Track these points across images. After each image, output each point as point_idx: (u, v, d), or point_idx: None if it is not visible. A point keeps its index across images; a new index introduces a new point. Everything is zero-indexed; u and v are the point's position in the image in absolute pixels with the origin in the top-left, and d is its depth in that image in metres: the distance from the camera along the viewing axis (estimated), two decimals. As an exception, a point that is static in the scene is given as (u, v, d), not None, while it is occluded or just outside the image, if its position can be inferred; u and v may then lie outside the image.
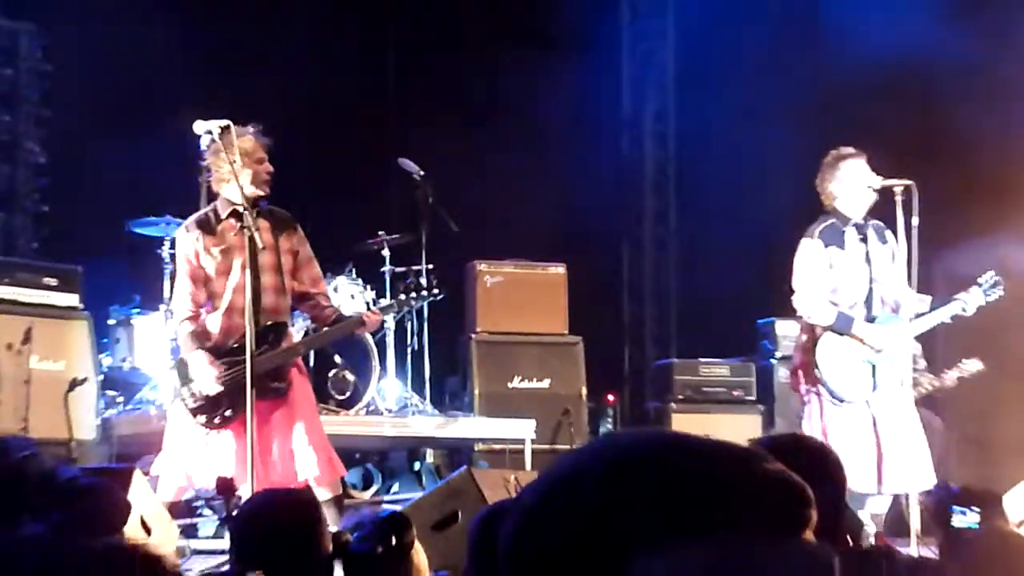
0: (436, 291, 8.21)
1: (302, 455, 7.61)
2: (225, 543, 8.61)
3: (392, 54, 12.68)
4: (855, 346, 8.53)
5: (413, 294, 8.17)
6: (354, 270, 10.83)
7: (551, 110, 11.78)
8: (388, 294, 10.80)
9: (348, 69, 12.68)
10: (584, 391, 11.49)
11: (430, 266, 10.80)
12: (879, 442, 8.45)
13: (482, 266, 11.40)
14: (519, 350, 11.28)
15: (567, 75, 12.04)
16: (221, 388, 7.49)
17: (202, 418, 7.57)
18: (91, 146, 11.31)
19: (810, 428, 8.57)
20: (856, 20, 11.30)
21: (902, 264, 8.53)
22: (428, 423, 10.36)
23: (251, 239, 7.37)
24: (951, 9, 11.13)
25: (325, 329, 8.11)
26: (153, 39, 11.91)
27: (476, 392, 10.96)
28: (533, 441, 10.42)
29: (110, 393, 10.29)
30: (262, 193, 7.73)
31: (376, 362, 10.37)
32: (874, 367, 8.54)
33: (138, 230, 10.47)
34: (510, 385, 11.16)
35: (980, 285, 8.76)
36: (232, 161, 7.41)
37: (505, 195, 11.61)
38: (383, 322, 8.06)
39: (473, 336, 11.20)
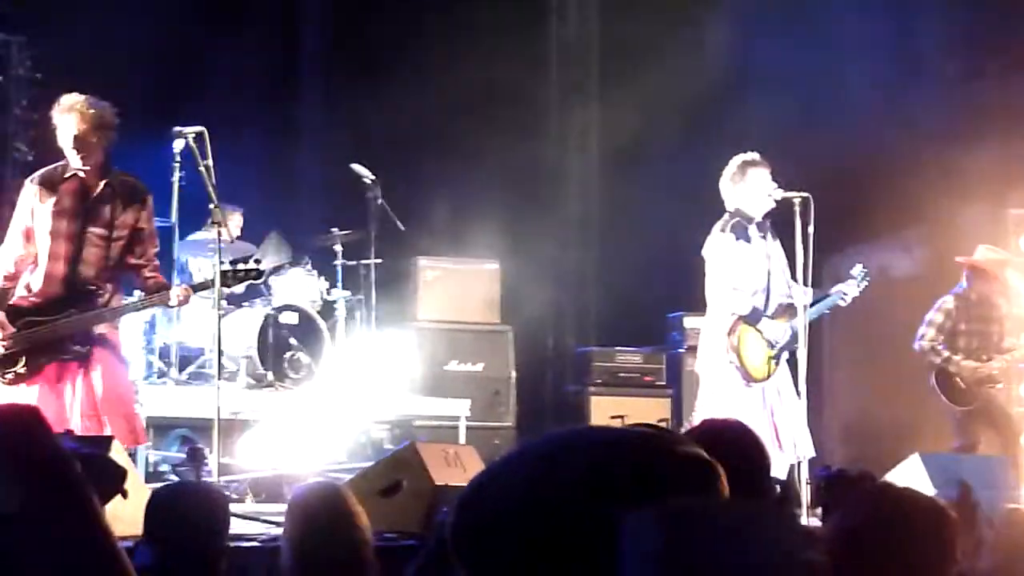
0: (255, 275, 7.70)
1: (121, 420, 7.24)
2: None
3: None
4: (762, 335, 8.64)
5: (232, 275, 7.60)
6: (310, 263, 10.81)
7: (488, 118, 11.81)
8: (340, 284, 10.80)
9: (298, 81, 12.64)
10: (513, 374, 11.51)
11: (378, 260, 10.82)
12: (773, 418, 8.57)
13: (423, 261, 11.41)
14: (455, 336, 11.28)
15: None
16: (10, 350, 7.07)
17: None
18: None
19: (708, 409, 8.67)
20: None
21: (784, 261, 8.71)
22: (374, 401, 10.34)
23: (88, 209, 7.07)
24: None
25: (130, 300, 7.65)
26: (130, 48, 11.82)
27: (416, 374, 10.93)
28: (467, 418, 10.43)
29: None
30: (85, 167, 7.18)
31: (328, 346, 10.35)
32: (774, 354, 8.65)
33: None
34: (447, 368, 11.16)
35: (854, 277, 8.98)
36: (206, 165, 7.29)
37: (447, 197, 11.61)
38: (189, 297, 7.42)
39: (415, 323, 11.20)
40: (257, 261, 7.62)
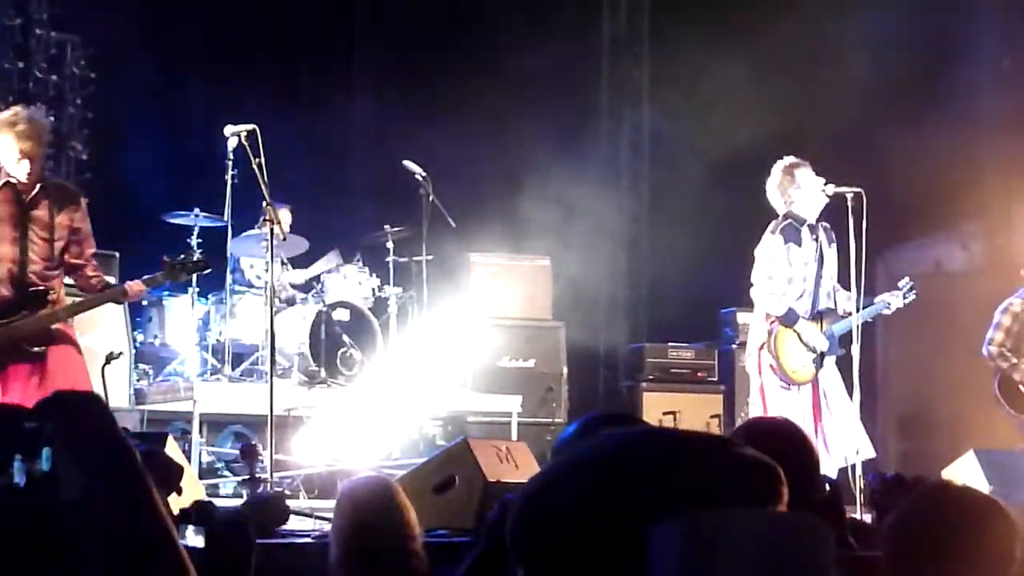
0: (202, 265, 7.65)
1: None
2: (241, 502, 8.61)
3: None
4: (799, 338, 8.60)
5: (179, 268, 7.56)
6: (361, 260, 10.83)
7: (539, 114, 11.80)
8: (392, 281, 10.81)
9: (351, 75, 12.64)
10: (565, 370, 11.50)
11: (430, 257, 10.82)
12: (820, 421, 8.52)
13: (475, 257, 11.40)
14: (508, 333, 11.26)
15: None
16: None
17: None
18: (128, 145, 11.29)
19: (756, 407, 8.66)
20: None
21: (835, 266, 8.67)
22: (426, 398, 10.33)
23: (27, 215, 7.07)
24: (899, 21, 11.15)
25: (86, 297, 7.56)
26: (183, 47, 11.88)
27: (468, 370, 10.92)
28: (519, 414, 10.41)
29: (142, 366, 10.26)
30: (28, 175, 7.12)
31: (381, 342, 10.36)
32: (818, 355, 8.61)
33: (170, 220, 10.42)
34: (499, 364, 11.15)
35: (900, 289, 8.89)
36: (258, 163, 7.29)
37: (499, 193, 11.58)
38: (142, 292, 7.42)
39: (467, 320, 11.18)
40: (203, 255, 7.63)
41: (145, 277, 7.52)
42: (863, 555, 3.57)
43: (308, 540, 5.71)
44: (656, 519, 1.66)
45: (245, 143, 7.46)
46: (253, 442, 6.53)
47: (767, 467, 1.77)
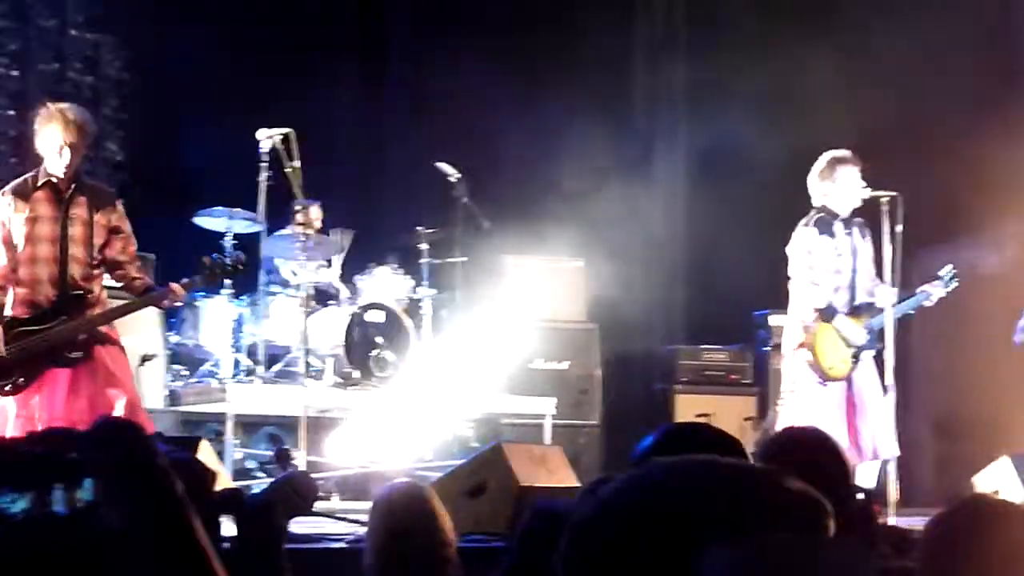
0: (241, 267, 7.76)
1: (110, 411, 7.12)
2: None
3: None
4: (838, 333, 8.56)
5: (219, 270, 7.66)
6: (395, 261, 10.83)
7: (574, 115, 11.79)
8: (426, 283, 10.80)
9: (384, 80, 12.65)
10: (599, 372, 11.49)
11: (464, 258, 10.82)
12: (854, 417, 8.47)
13: (510, 259, 11.39)
14: (542, 334, 11.25)
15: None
16: (4, 363, 7.05)
17: None
18: (163, 146, 11.33)
19: (790, 406, 8.62)
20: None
21: (872, 261, 8.63)
22: (460, 399, 10.33)
23: (65, 213, 7.13)
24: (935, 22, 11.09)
25: (125, 302, 7.61)
26: (219, 48, 11.90)
27: (502, 372, 10.90)
28: (553, 416, 10.41)
29: (176, 367, 10.29)
30: (66, 171, 7.23)
31: (414, 344, 10.37)
32: (856, 352, 8.57)
33: (202, 222, 10.43)
34: (532, 366, 11.14)
35: (941, 278, 8.84)
36: (292, 168, 7.30)
37: (533, 195, 11.56)
38: (183, 295, 7.47)
39: (501, 321, 11.16)
40: (240, 256, 7.65)
41: (184, 280, 7.56)
42: (898, 566, 3.55)
43: (342, 545, 5.71)
44: (706, 546, 1.67)
45: (280, 147, 7.45)
46: (286, 446, 6.52)
47: (815, 502, 1.78)
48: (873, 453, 8.43)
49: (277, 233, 10.14)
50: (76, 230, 7.27)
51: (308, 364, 9.70)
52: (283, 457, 6.03)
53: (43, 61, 12.00)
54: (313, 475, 8.98)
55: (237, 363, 10.13)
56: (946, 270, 8.91)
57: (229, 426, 9.26)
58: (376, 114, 12.51)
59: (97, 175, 11.54)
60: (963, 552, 3.09)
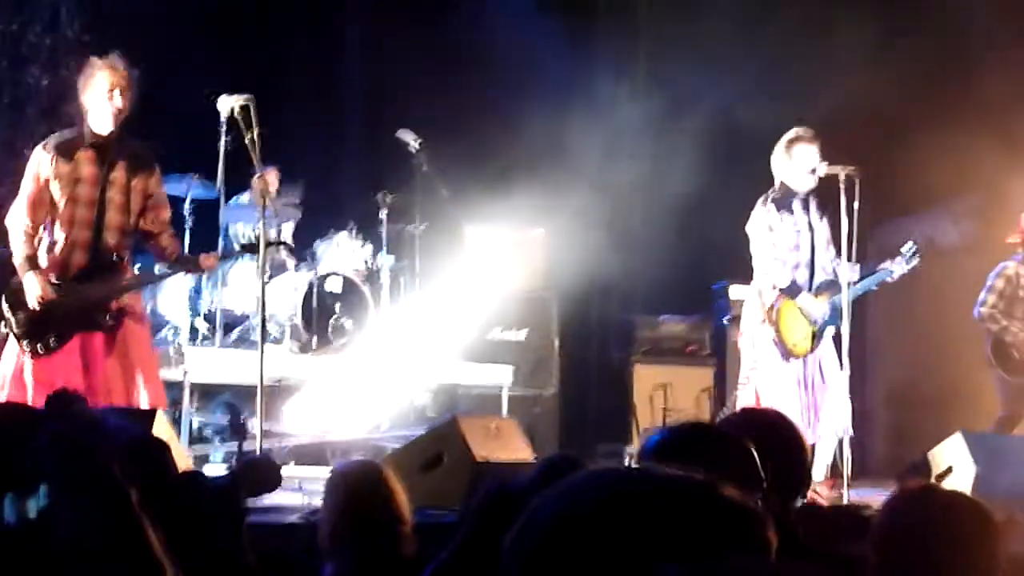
0: (280, 241, 7.71)
1: (136, 387, 7.17)
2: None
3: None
4: (801, 311, 8.60)
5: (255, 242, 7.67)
6: (355, 228, 10.79)
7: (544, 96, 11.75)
8: (385, 250, 10.77)
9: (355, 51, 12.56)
10: (557, 342, 11.50)
11: (423, 226, 10.79)
12: (813, 394, 8.51)
13: (469, 227, 11.37)
14: (500, 303, 11.23)
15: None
16: (41, 317, 6.97)
17: (27, 344, 7.02)
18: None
19: (751, 384, 8.65)
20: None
21: (829, 239, 8.65)
22: (417, 368, 10.31)
23: (106, 176, 7.07)
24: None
25: (158, 268, 7.65)
26: (179, 9, 11.81)
27: (460, 340, 10.89)
28: (510, 386, 10.42)
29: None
30: (111, 128, 7.19)
31: (372, 312, 10.35)
32: (815, 330, 8.60)
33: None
34: (490, 335, 11.13)
35: (902, 255, 8.86)
36: (253, 136, 7.25)
37: (492, 163, 11.53)
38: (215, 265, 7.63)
39: (459, 290, 11.14)
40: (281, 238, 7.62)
41: (216, 252, 7.51)
42: (851, 554, 3.57)
43: (297, 519, 5.71)
44: (647, 568, 1.66)
45: (239, 116, 7.40)
46: (242, 418, 6.50)
47: (755, 515, 1.77)
48: (833, 431, 8.45)
49: (235, 199, 10.09)
50: (115, 195, 7.18)
51: (265, 331, 9.67)
52: (239, 428, 6.01)
53: (2, 22, 11.89)
54: (268, 442, 9.04)
55: (194, 329, 10.10)
56: (907, 247, 8.94)
57: (186, 393, 9.22)
58: (335, 79, 12.43)
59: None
60: (914, 543, 3.12)
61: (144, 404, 7.11)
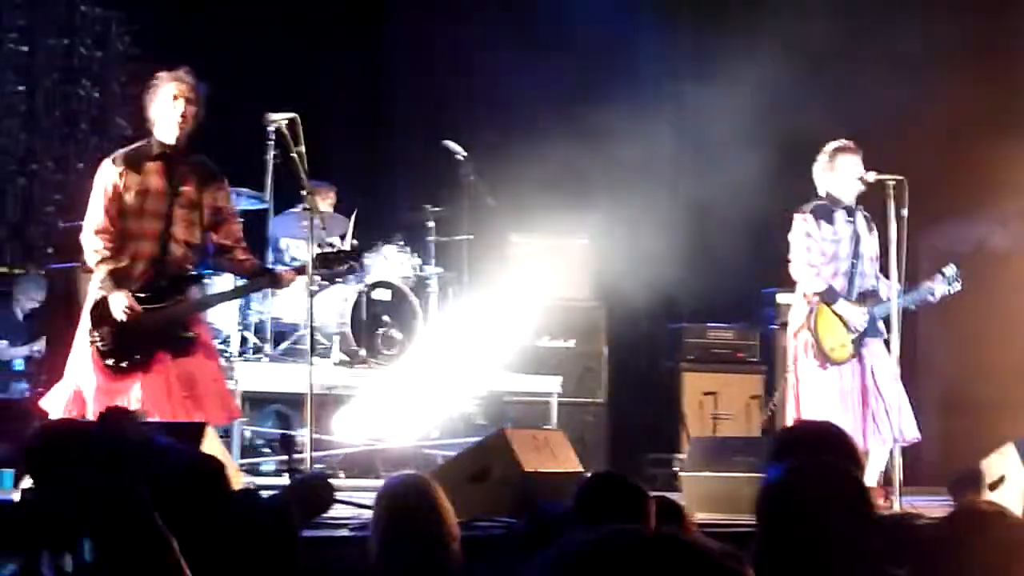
0: (356, 262, 7.65)
1: (216, 398, 7.19)
2: (283, 481, 8.67)
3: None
4: (840, 318, 8.57)
5: (332, 257, 7.63)
6: (402, 239, 10.84)
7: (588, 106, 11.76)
8: (433, 261, 10.82)
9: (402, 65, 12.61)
10: (605, 351, 11.51)
11: (471, 236, 10.83)
12: (865, 402, 8.48)
13: (516, 237, 11.39)
14: (548, 312, 11.23)
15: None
16: (131, 325, 6.92)
17: (111, 361, 6.96)
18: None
19: (795, 389, 8.63)
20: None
21: (876, 253, 8.62)
22: (466, 378, 10.34)
23: (174, 189, 7.02)
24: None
25: (238, 284, 7.59)
26: (227, 24, 11.89)
27: (508, 350, 10.89)
28: (559, 395, 10.45)
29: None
30: (178, 138, 7.13)
31: (421, 322, 10.39)
32: (859, 335, 8.57)
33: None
34: (539, 344, 11.15)
35: (944, 276, 8.76)
36: (299, 152, 7.29)
37: (539, 173, 11.53)
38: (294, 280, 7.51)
39: (507, 300, 11.14)
40: (354, 247, 7.60)
41: (295, 265, 7.52)
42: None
43: (347, 533, 5.74)
44: None
45: (285, 131, 7.44)
46: (291, 433, 6.50)
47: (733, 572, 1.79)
48: (891, 439, 8.42)
49: (284, 212, 10.17)
50: (182, 209, 7.12)
51: (314, 343, 9.73)
52: (289, 444, 6.05)
53: (52, 36, 12.02)
54: (318, 453, 9.10)
55: (244, 340, 10.16)
56: (950, 270, 8.84)
57: (237, 404, 9.28)
58: (383, 92, 12.49)
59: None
60: (958, 559, 3.13)
61: (221, 407, 7.19)
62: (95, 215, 7.08)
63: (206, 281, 7.77)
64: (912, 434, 8.51)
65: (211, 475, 4.01)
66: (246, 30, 11.88)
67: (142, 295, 7.03)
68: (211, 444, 6.12)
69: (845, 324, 8.58)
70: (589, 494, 4.20)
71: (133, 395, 6.88)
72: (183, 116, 7.09)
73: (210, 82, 11.46)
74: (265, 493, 4.93)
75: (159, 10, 11.77)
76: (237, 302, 10.13)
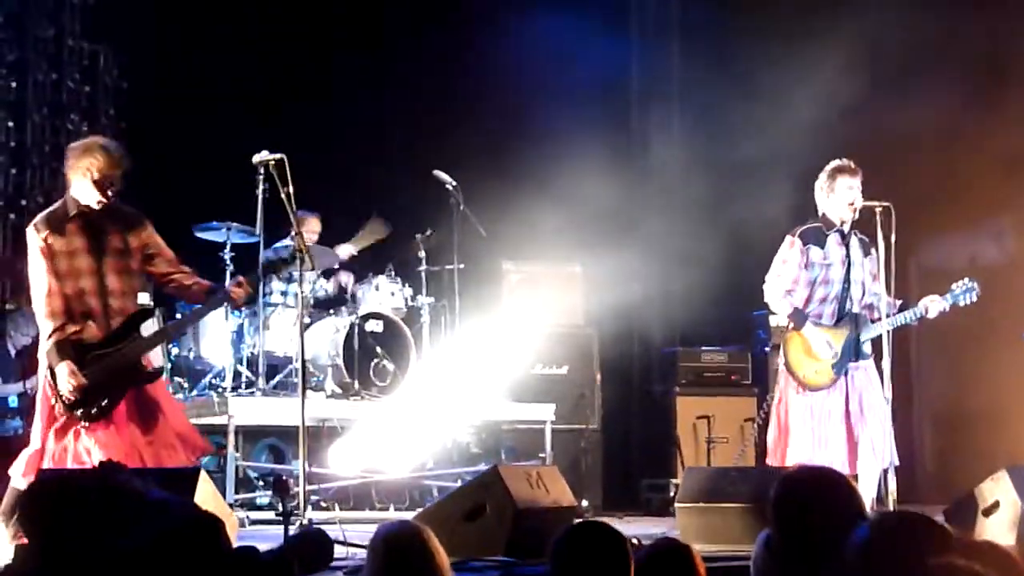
0: (299, 256, 7.42)
1: (169, 436, 7.12)
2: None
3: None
4: (823, 341, 8.50)
5: (278, 262, 7.69)
6: (393, 270, 10.85)
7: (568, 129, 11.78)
8: (424, 291, 10.84)
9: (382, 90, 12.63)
10: (598, 377, 11.53)
11: (462, 265, 10.84)
12: (850, 427, 8.41)
13: (507, 265, 11.41)
14: (541, 340, 11.25)
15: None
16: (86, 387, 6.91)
17: (80, 411, 6.94)
18: (162, 157, 11.32)
19: (777, 412, 8.61)
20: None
21: (874, 275, 8.56)
22: (460, 407, 10.35)
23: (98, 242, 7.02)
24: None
25: (193, 310, 7.55)
26: (216, 56, 11.90)
27: (502, 378, 10.90)
28: (553, 422, 10.45)
29: (177, 379, 10.31)
30: (103, 201, 7.06)
31: (414, 353, 10.40)
32: (839, 360, 8.48)
33: (202, 234, 10.47)
34: (532, 371, 11.16)
35: (952, 291, 8.62)
36: (287, 193, 7.30)
37: (529, 201, 11.55)
38: (248, 292, 7.27)
39: (499, 328, 11.16)
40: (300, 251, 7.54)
41: (244, 277, 7.48)
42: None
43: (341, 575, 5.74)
44: None
45: (274, 172, 7.45)
46: (284, 477, 6.48)
47: None
48: (878, 464, 8.38)
49: (275, 245, 10.18)
50: (112, 259, 7.13)
51: (306, 376, 9.74)
52: (281, 488, 6.05)
53: (41, 71, 12.04)
54: (313, 486, 9.10)
55: (237, 374, 10.18)
56: (961, 283, 8.69)
57: (231, 440, 9.30)
58: (371, 123, 12.49)
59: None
60: None
61: (185, 455, 7.15)
62: (40, 281, 7.09)
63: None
64: (888, 460, 8.39)
65: (209, 532, 4.01)
66: (235, 60, 11.88)
67: (98, 348, 7.03)
68: (203, 488, 6.12)
69: (816, 349, 8.49)
70: (565, 548, 4.19)
71: (96, 449, 6.88)
72: (104, 196, 7.08)
73: (199, 114, 11.62)
74: (263, 545, 4.92)
75: (147, 44, 11.77)
76: (229, 337, 10.17)
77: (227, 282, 7.57)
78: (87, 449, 6.91)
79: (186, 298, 7.70)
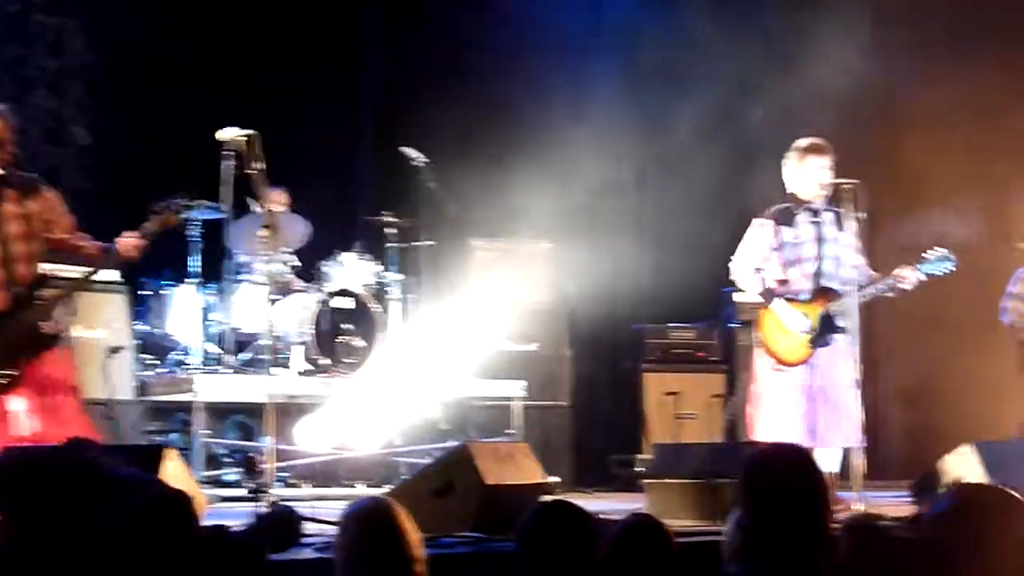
0: (191, 204, 7.49)
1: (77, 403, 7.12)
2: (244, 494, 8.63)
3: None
4: (795, 317, 8.52)
5: (171, 210, 7.43)
6: (361, 247, 10.82)
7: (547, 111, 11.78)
8: (394, 268, 10.82)
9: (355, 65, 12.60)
10: (568, 353, 11.54)
11: (431, 242, 10.83)
12: (816, 403, 8.40)
13: (477, 242, 11.40)
14: (510, 317, 11.23)
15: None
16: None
17: None
18: (130, 131, 11.28)
19: (754, 389, 8.64)
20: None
21: (845, 250, 8.57)
22: (429, 384, 10.35)
23: None
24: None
25: (85, 270, 7.39)
26: (187, 31, 11.84)
27: (471, 354, 10.90)
28: (522, 398, 10.45)
29: (144, 356, 10.26)
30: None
31: (382, 329, 10.39)
32: (817, 333, 8.50)
33: (171, 209, 10.41)
34: (502, 348, 11.15)
35: (925, 260, 8.54)
36: (260, 169, 7.24)
37: (499, 177, 11.54)
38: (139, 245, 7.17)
39: (469, 305, 11.16)
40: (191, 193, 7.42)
41: (138, 229, 7.36)
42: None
43: (312, 555, 5.74)
44: None
45: (244, 149, 7.41)
46: (252, 455, 6.46)
47: None
48: (838, 443, 8.38)
49: (237, 222, 10.17)
50: (13, 226, 7.06)
51: (275, 351, 9.74)
52: (250, 465, 6.05)
53: (6, 46, 11.94)
54: (281, 463, 9.11)
55: (205, 351, 10.16)
56: (935, 251, 8.67)
57: (198, 415, 9.28)
58: (343, 99, 12.46)
59: (65, 159, 11.56)
60: (950, 529, 3.29)
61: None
62: None
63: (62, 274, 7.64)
64: (854, 440, 8.38)
65: (178, 509, 4.01)
66: (205, 38, 11.82)
67: (6, 314, 6.98)
68: (173, 465, 6.10)
69: (789, 324, 8.51)
70: (532, 528, 4.21)
71: (17, 410, 6.84)
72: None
73: (168, 89, 11.56)
74: (232, 523, 4.92)
75: (116, 18, 11.69)
76: (198, 313, 10.15)
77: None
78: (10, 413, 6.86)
79: (85, 261, 7.43)
